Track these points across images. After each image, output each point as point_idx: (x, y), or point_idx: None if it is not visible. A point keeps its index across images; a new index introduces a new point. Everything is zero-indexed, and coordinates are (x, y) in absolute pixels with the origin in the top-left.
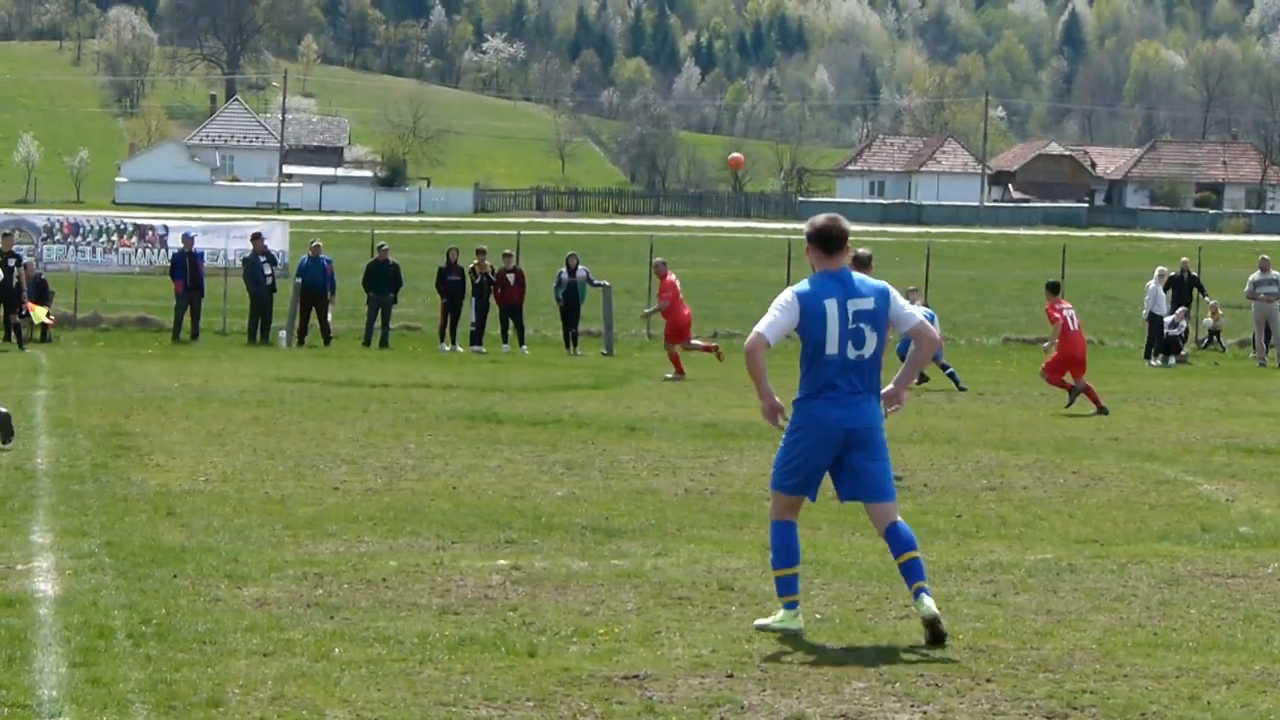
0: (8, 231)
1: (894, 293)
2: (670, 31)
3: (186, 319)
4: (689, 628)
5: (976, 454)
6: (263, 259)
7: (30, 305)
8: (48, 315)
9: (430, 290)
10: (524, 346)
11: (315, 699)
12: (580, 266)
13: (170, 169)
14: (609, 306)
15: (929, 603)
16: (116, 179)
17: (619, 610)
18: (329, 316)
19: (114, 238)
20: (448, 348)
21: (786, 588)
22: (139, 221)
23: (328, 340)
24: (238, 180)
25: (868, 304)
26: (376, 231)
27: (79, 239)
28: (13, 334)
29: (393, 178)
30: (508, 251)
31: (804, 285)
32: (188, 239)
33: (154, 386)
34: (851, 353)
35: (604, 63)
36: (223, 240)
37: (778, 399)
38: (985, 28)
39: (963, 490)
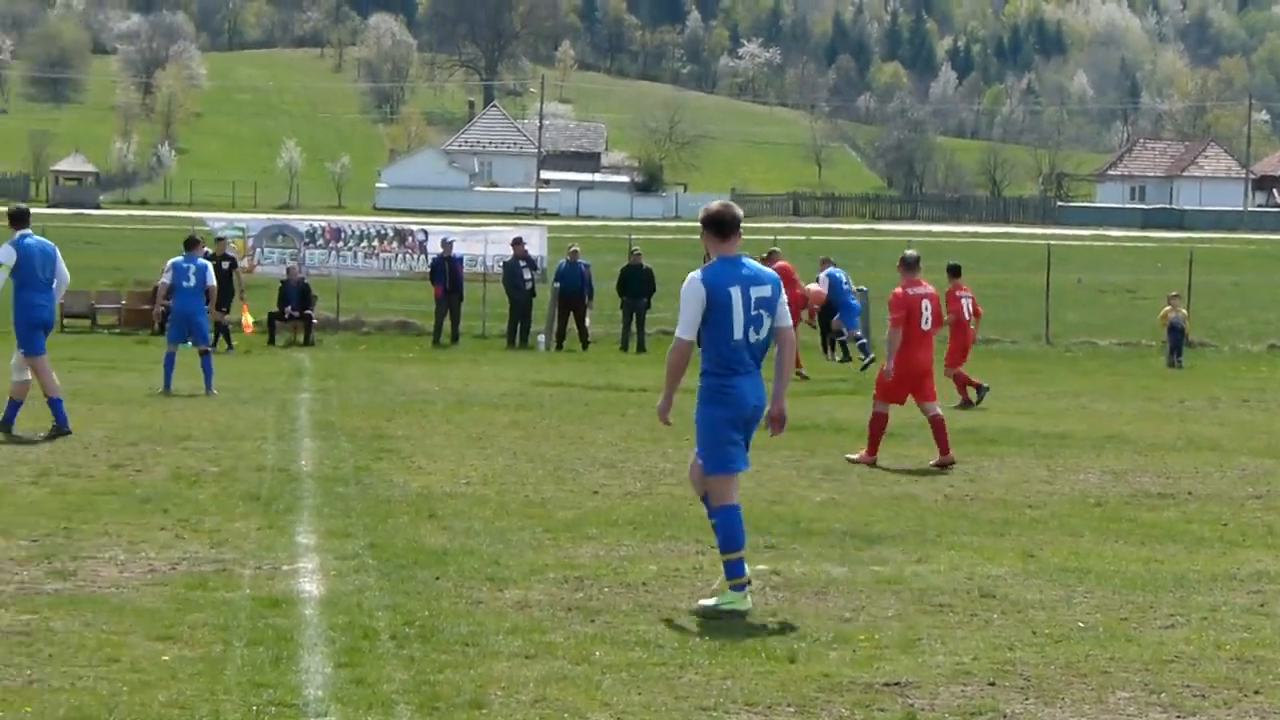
0: (221, 236)
1: (783, 288)
2: (927, 36)
3: (446, 323)
4: (950, 634)
5: (1241, 461)
6: (522, 264)
7: (244, 307)
8: (254, 321)
9: None
10: None
11: (576, 702)
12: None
13: (429, 174)
14: (866, 312)
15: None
16: (377, 184)
17: (879, 616)
18: (587, 321)
19: (374, 243)
20: None
21: (736, 570)
22: (399, 226)
23: (586, 344)
24: (496, 186)
25: (766, 291)
26: (633, 236)
27: (340, 244)
28: (221, 335)
29: (649, 183)
30: (774, 249)
31: (707, 272)
32: (447, 244)
33: (415, 390)
34: (752, 336)
35: (860, 67)
36: (481, 245)
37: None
38: (1248, 30)
39: (1228, 498)
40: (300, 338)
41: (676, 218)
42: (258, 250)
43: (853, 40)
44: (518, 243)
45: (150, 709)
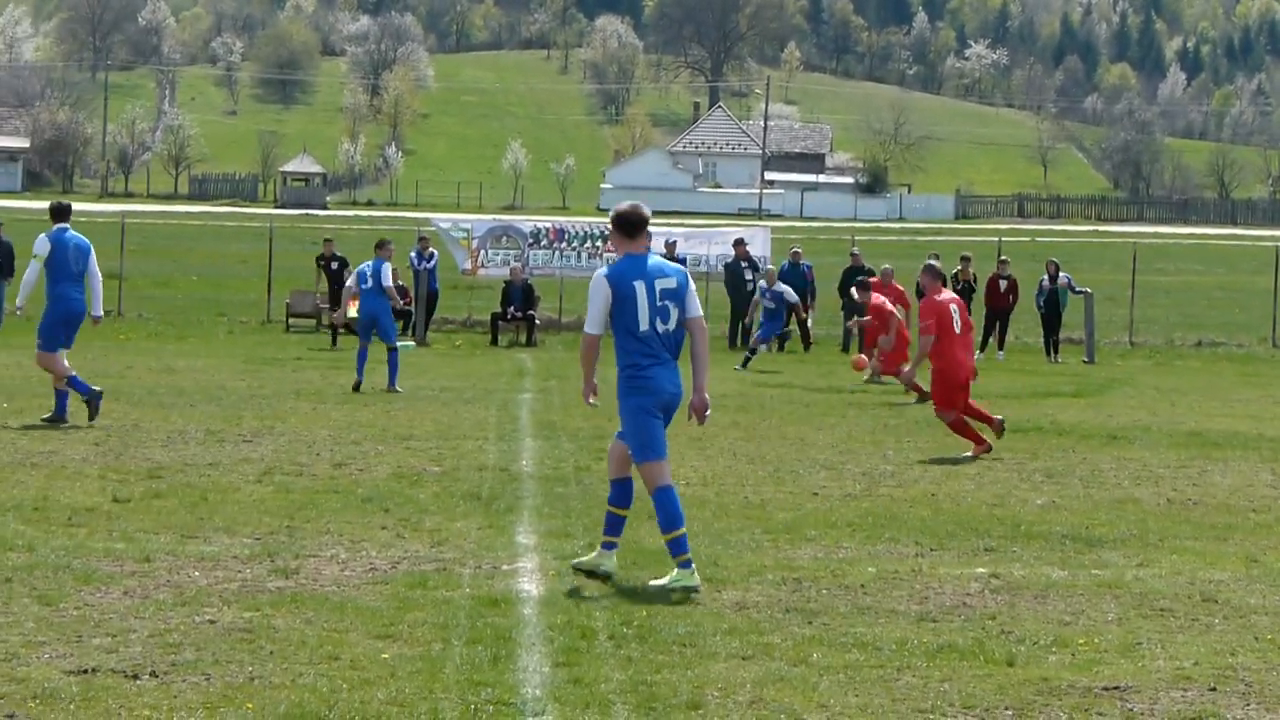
0: (329, 238)
1: (690, 280)
2: (1156, 36)
3: None
4: (1171, 639)
5: None
6: (744, 265)
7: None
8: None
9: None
10: (1001, 353)
11: (794, 703)
12: (1061, 273)
13: (654, 175)
14: (1090, 314)
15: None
16: (601, 185)
17: (1099, 620)
18: (809, 322)
19: (598, 243)
20: None
21: (680, 548)
22: None
23: (807, 346)
24: (720, 186)
25: (671, 283)
26: (855, 238)
27: (564, 244)
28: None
29: (874, 184)
30: (1004, 259)
31: (612, 269)
32: (670, 244)
33: None
34: (660, 327)
35: (1088, 68)
36: (704, 246)
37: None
38: None
39: None
40: (523, 338)
41: (901, 219)
42: (482, 251)
43: (1080, 41)
44: (740, 244)
45: (370, 706)
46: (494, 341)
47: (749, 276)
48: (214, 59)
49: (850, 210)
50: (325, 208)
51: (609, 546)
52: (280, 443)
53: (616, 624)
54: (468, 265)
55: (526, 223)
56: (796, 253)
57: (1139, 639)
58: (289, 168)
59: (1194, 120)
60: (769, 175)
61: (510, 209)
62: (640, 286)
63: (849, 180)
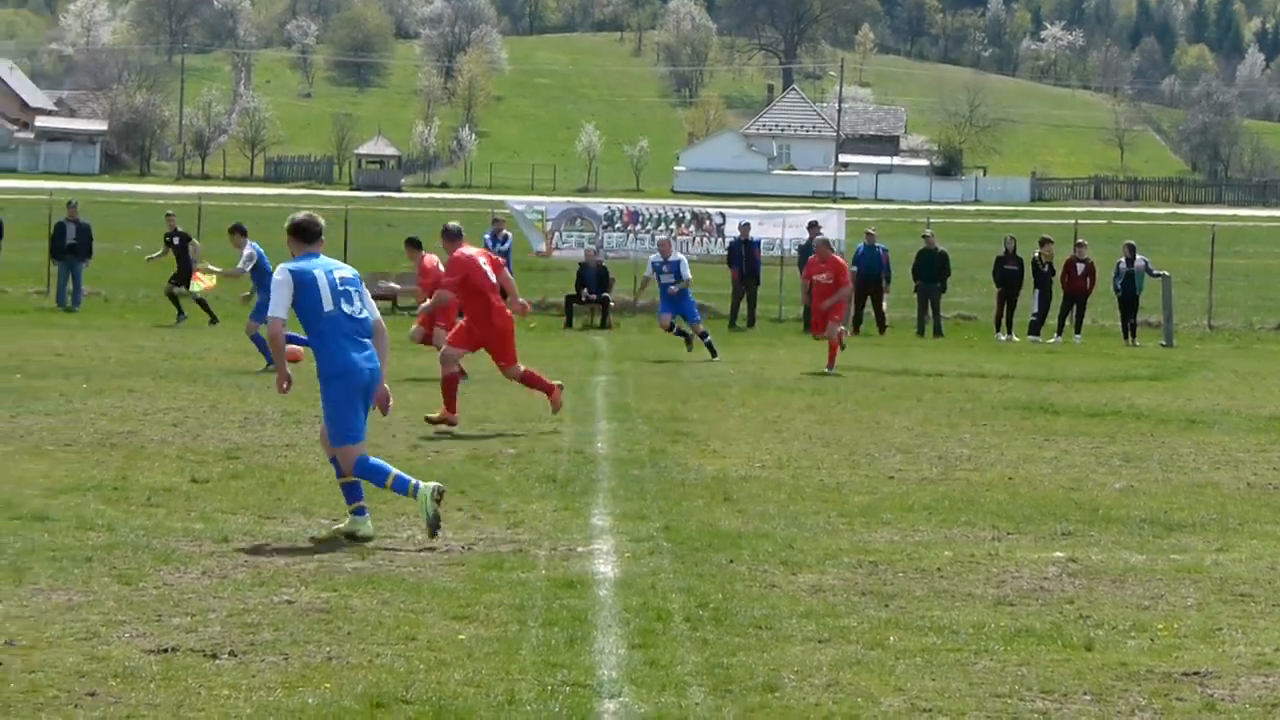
0: (170, 213)
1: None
2: (1234, 17)
3: (742, 306)
4: (1251, 625)
5: None
6: None
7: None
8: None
9: (986, 279)
10: (1079, 336)
11: (870, 686)
12: (1139, 256)
13: (727, 158)
14: (1168, 297)
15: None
16: (675, 168)
17: (1178, 605)
18: (884, 305)
19: (672, 226)
20: (1004, 337)
21: (402, 486)
22: (696, 210)
23: (883, 329)
24: (794, 169)
25: (347, 273)
26: (930, 220)
27: (638, 227)
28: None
29: (949, 166)
30: (1081, 241)
31: (291, 263)
32: (744, 227)
33: (710, 373)
34: (346, 308)
35: (1165, 50)
36: (779, 229)
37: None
38: None
39: None
40: (597, 320)
41: (976, 202)
42: (556, 234)
43: (1157, 22)
44: (814, 226)
45: (446, 687)
46: (568, 324)
47: None
48: (289, 42)
49: (925, 193)
50: (400, 190)
51: (360, 512)
52: None
53: (692, 607)
54: (542, 247)
55: (601, 205)
56: (871, 234)
57: (1219, 624)
58: (364, 150)
59: (1273, 102)
60: (843, 158)
61: (584, 191)
62: (320, 273)
63: (923, 163)
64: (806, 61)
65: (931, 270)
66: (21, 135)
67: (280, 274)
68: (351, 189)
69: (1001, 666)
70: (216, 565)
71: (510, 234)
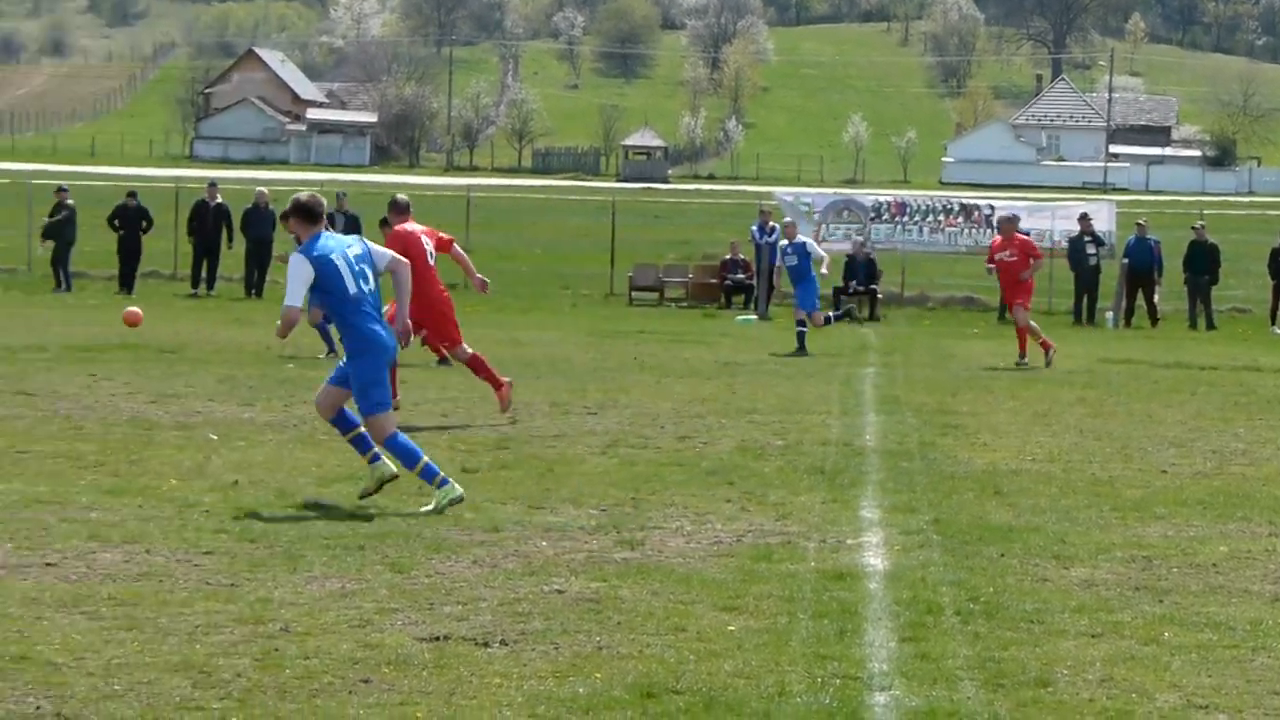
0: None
1: (366, 240)
2: None
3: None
4: None
5: None
6: (1088, 239)
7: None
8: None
9: (1260, 272)
10: None
11: (1144, 682)
12: None
13: (995, 149)
14: None
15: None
16: (943, 159)
17: None
18: (1155, 298)
19: (940, 217)
20: (1279, 330)
21: (431, 474)
22: (965, 201)
23: (1155, 321)
24: (1063, 160)
25: (358, 249)
26: (1205, 212)
27: (905, 218)
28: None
29: (1221, 157)
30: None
31: (306, 248)
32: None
33: (979, 366)
34: (364, 287)
35: None
36: (1048, 220)
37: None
38: None
39: None
40: (865, 313)
41: (1250, 193)
42: (824, 225)
43: None
44: (1084, 218)
45: (716, 678)
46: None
47: (1091, 251)
48: (555, 33)
49: (1198, 184)
50: (667, 181)
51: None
52: (624, 415)
53: (963, 600)
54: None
55: (868, 196)
56: (1142, 226)
57: None
58: (630, 141)
59: None
60: (1113, 148)
61: (851, 183)
62: (338, 258)
63: (1196, 154)
64: (1076, 51)
65: (1202, 263)
66: (293, 127)
67: (301, 263)
68: (618, 180)
69: (1279, 663)
70: (487, 555)
71: (777, 225)
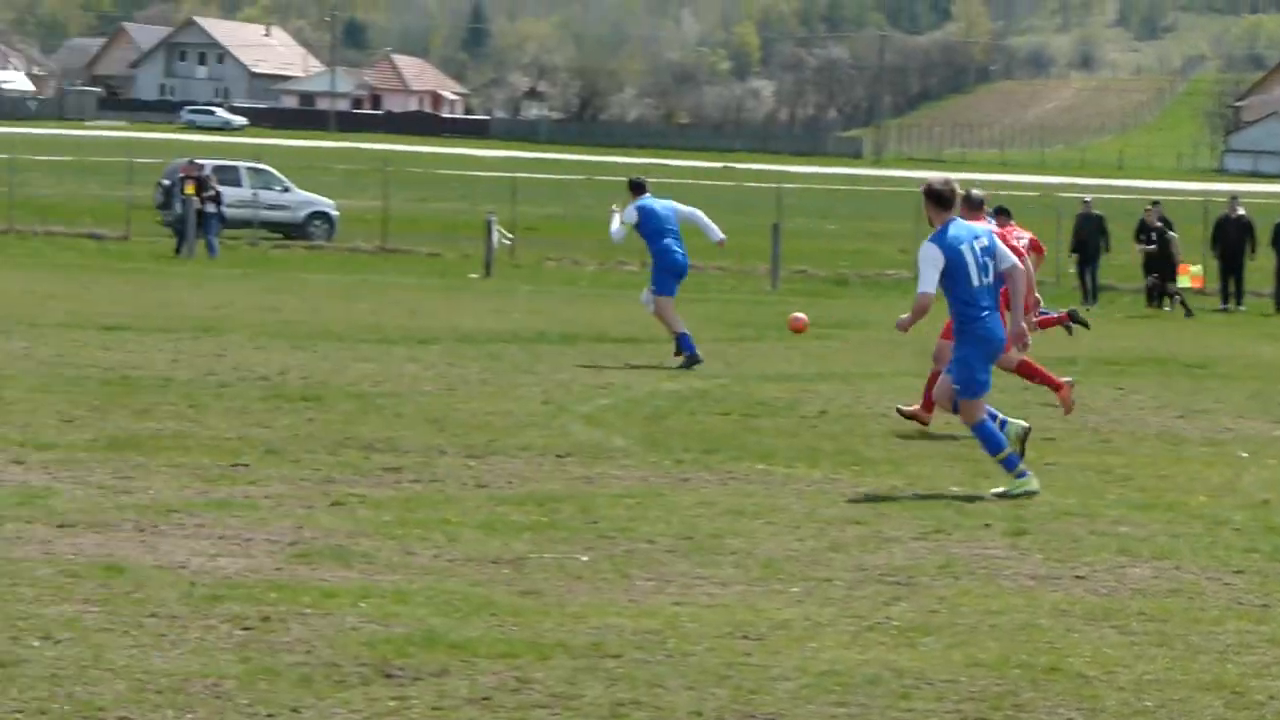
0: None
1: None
2: None
3: None
4: None
5: None
6: None
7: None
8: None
9: None
10: None
11: None
12: None
13: None
14: None
15: None
16: None
17: None
18: None
19: None
20: None
21: (1012, 464)
22: None
23: None
24: None
25: (985, 241)
26: None
27: None
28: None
29: None
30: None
31: (938, 237)
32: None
33: None
34: (986, 280)
35: None
36: None
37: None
38: None
39: None
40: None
41: None
42: None
43: None
44: None
45: None
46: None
47: None
48: None
49: None
50: None
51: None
52: None
53: None
54: None
55: None
56: None
57: None
58: None
59: None
60: None
61: None
62: (966, 249)
63: None
64: None
65: None
66: None
67: (933, 252)
68: None
69: None
70: None
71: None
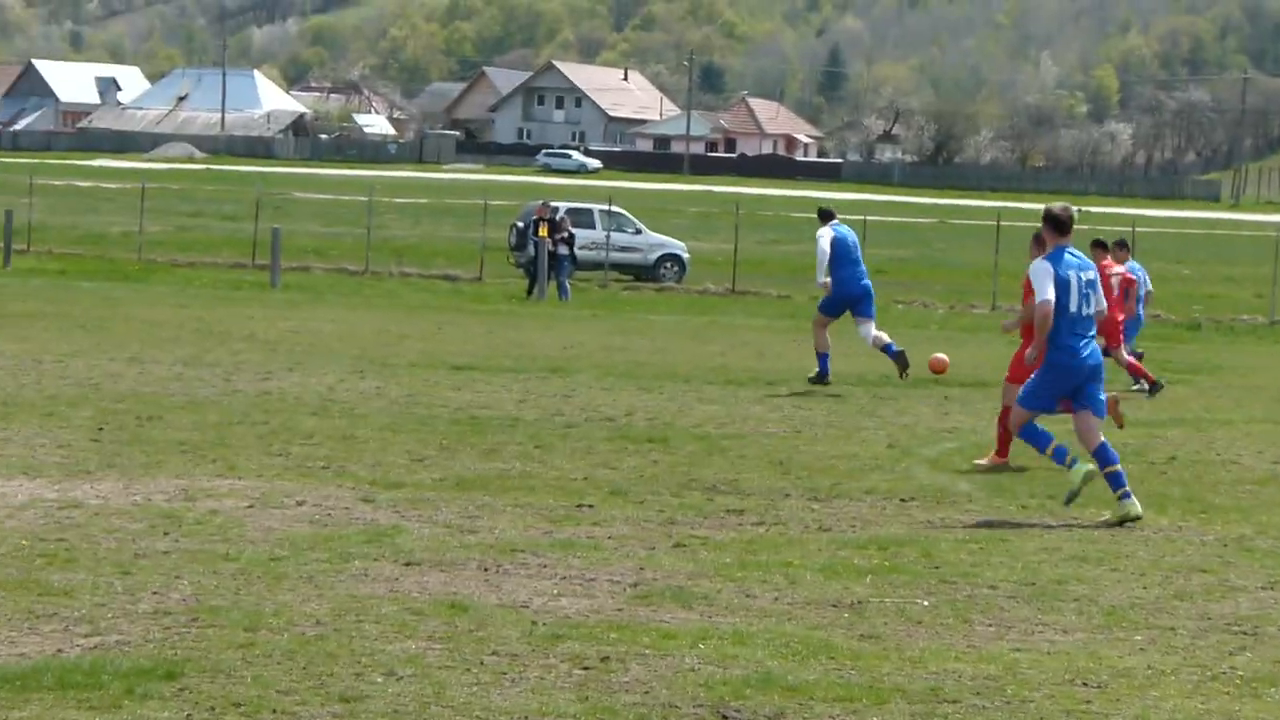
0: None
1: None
2: None
3: None
4: None
5: None
6: None
7: None
8: None
9: None
10: None
11: None
12: None
13: None
14: None
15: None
16: None
17: None
18: None
19: None
20: None
21: (1061, 455)
22: None
23: None
24: None
25: (1091, 274)
26: None
27: None
28: None
29: None
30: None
31: (1052, 259)
32: None
33: None
34: (1085, 310)
35: None
36: None
37: None
38: None
39: None
40: None
41: None
42: None
43: None
44: None
45: None
46: None
47: None
48: None
49: None
50: None
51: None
52: None
53: None
54: None
55: None
56: None
57: None
58: None
59: None
60: None
61: None
62: (1073, 275)
63: None
64: None
65: None
66: None
67: (1041, 266)
68: None
69: None
70: None
71: None
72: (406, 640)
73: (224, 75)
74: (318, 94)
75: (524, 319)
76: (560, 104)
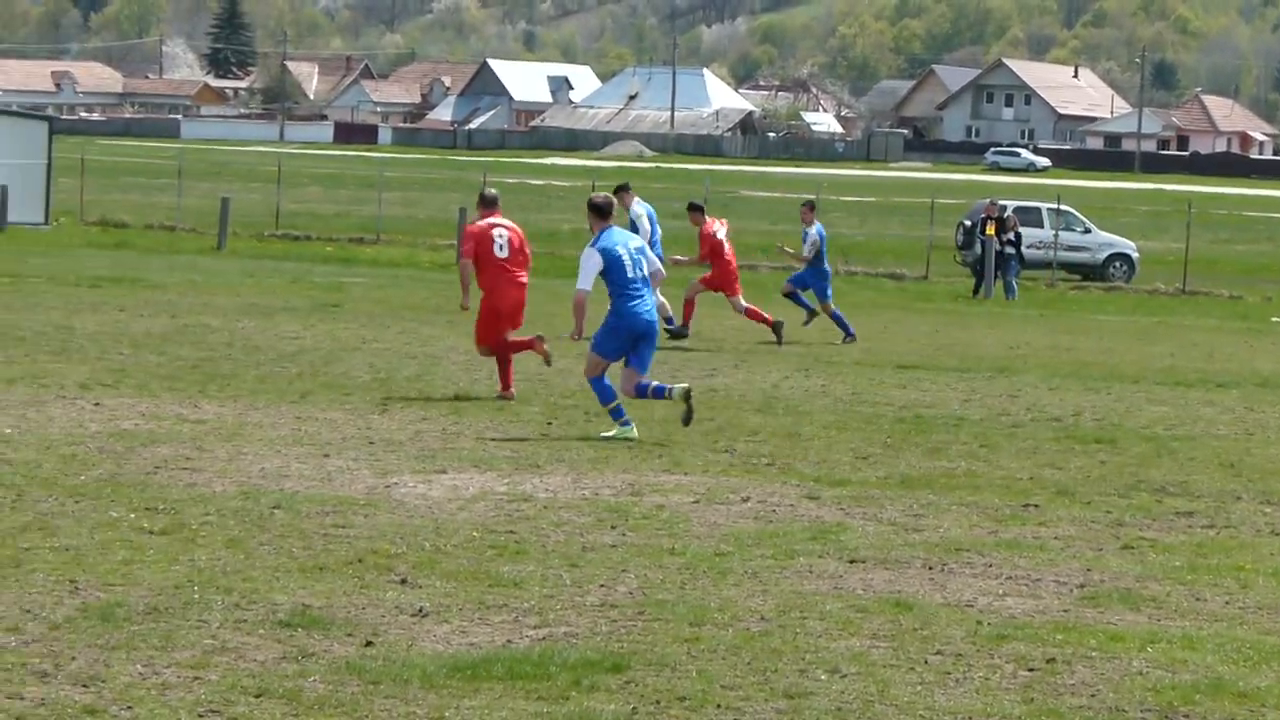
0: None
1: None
2: None
3: None
4: None
5: None
6: None
7: None
8: None
9: None
10: None
11: None
12: None
13: None
14: None
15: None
16: None
17: None
18: None
19: None
20: None
21: (618, 414)
22: None
23: None
24: None
25: (638, 242)
26: None
27: None
28: None
29: None
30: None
31: (598, 242)
32: None
33: None
34: (640, 273)
35: None
36: None
37: None
38: None
39: None
40: None
41: None
42: None
43: None
44: None
45: None
46: None
47: None
48: None
49: None
50: None
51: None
52: None
53: None
54: None
55: None
56: None
57: None
58: None
59: None
60: None
61: None
62: (621, 249)
63: None
64: None
65: None
66: None
67: (590, 253)
68: None
69: None
70: None
71: None
72: (850, 638)
73: (674, 74)
74: (766, 92)
75: (970, 318)
76: (1009, 101)
